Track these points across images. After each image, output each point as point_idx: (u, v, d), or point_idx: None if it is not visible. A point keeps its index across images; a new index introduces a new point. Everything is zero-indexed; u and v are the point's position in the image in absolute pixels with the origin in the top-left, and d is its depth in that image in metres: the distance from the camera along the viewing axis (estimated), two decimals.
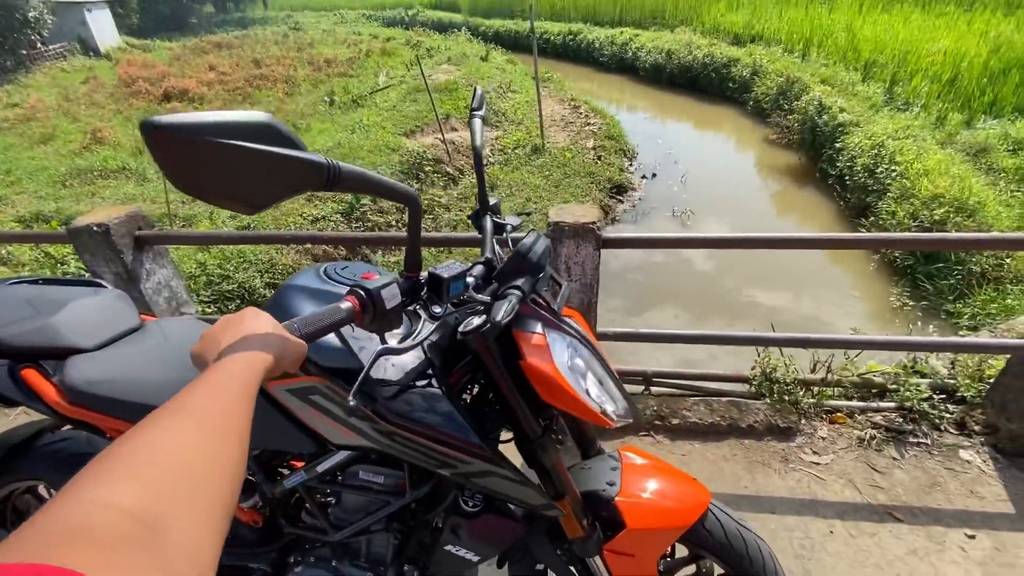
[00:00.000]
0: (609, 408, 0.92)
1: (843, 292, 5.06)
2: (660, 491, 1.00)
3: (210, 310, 4.03)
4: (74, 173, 8.81)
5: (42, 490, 1.34)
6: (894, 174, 6.25)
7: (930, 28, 10.40)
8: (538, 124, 9.40)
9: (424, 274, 0.78)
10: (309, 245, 5.18)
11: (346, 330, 0.88)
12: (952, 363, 2.10)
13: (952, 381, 2.00)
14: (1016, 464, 1.77)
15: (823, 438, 1.93)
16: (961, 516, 1.65)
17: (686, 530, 0.98)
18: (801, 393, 2.05)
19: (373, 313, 0.68)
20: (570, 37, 18.56)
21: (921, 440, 1.88)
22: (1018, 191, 5.85)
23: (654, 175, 8.53)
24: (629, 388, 2.15)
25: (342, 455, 0.98)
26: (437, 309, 0.77)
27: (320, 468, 1.00)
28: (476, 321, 0.80)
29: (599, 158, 8.75)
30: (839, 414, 2.01)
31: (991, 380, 1.89)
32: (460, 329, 0.80)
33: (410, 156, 7.36)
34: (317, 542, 1.10)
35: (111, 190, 8.19)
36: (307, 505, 1.07)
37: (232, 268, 4.45)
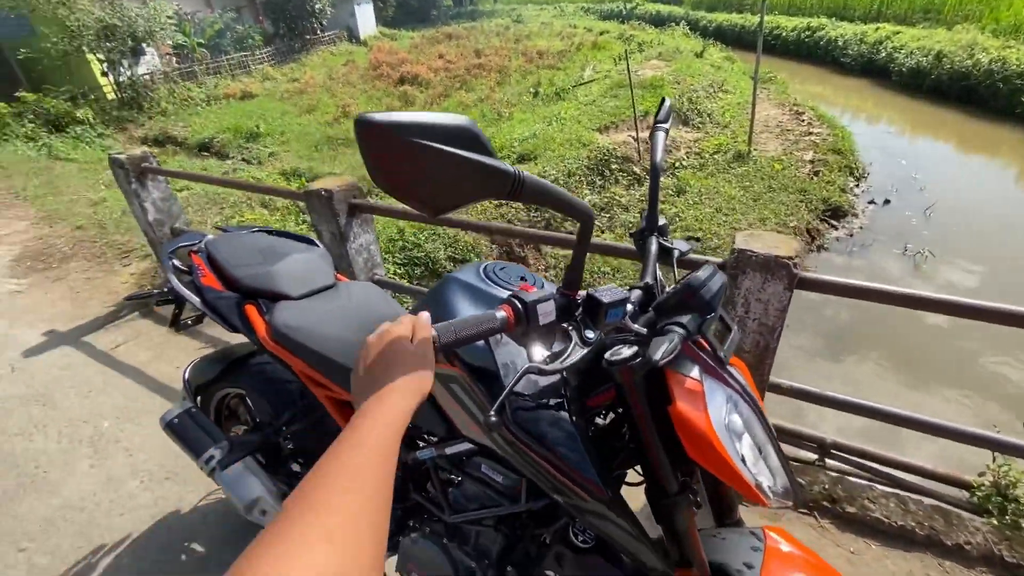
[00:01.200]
0: (765, 483, 0.78)
1: None
2: None
3: (400, 271, 4.58)
4: (324, 140, 10.76)
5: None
6: None
7: None
8: (747, 129, 8.53)
9: (582, 294, 0.74)
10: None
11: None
12: None
13: None
14: None
15: None
16: None
17: None
18: None
19: (526, 326, 0.67)
20: (807, 33, 16.36)
21: None
22: None
23: (887, 201, 7.15)
24: (800, 454, 1.84)
25: (469, 444, 1.00)
26: (590, 334, 0.72)
27: (448, 451, 1.04)
28: (626, 352, 0.72)
29: (816, 174, 7.63)
30: None
31: None
32: (607, 356, 0.73)
33: (599, 152, 7.32)
34: (435, 516, 1.16)
35: (347, 157, 9.80)
36: (431, 480, 1.14)
37: (423, 238, 5.00)
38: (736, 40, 17.95)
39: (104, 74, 13.40)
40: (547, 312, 0.67)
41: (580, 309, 0.72)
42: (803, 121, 9.83)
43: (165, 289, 1.47)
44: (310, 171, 8.90)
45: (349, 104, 12.54)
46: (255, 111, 13.15)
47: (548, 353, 0.74)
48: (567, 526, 0.95)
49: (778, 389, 1.62)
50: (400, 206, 4.13)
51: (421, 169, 0.49)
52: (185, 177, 3.70)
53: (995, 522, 1.56)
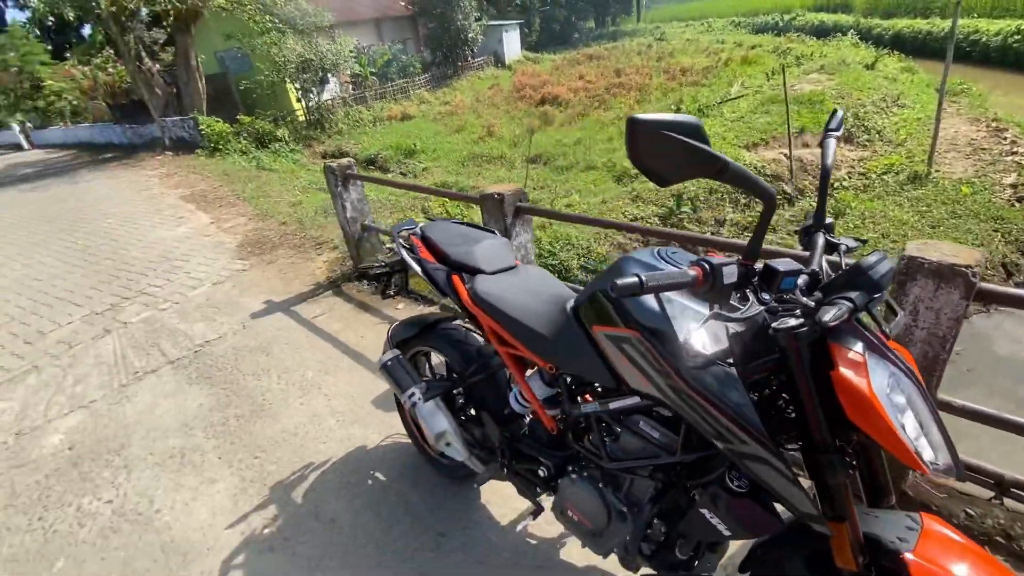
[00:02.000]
0: (926, 455, 0.84)
1: None
2: (969, 574, 0.85)
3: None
4: (470, 157, 11.72)
5: (433, 356, 2.02)
6: None
7: None
8: (926, 147, 7.56)
9: (760, 264, 0.89)
10: (622, 240, 5.66)
11: (672, 300, 1.05)
12: None
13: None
14: None
15: None
16: None
17: None
18: None
19: (712, 285, 0.83)
20: (1016, 38, 13.92)
21: None
22: None
23: None
24: (972, 490, 1.71)
25: (632, 400, 1.18)
26: (765, 296, 0.87)
27: (612, 405, 1.22)
28: (792, 321, 0.85)
29: (1020, 200, 6.51)
30: None
31: None
32: (774, 325, 0.86)
33: None
34: (592, 463, 1.35)
35: (490, 172, 10.58)
36: (591, 433, 1.33)
37: (558, 247, 5.28)
38: (919, 48, 15.88)
39: (298, 100, 16.07)
40: (730, 274, 0.83)
41: (757, 277, 0.87)
42: (1004, 139, 8.42)
43: (383, 263, 1.87)
44: (456, 184, 9.76)
45: (493, 124, 13.48)
46: (412, 131, 14.75)
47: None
48: (724, 475, 1.07)
49: (949, 408, 1.53)
50: (554, 210, 4.42)
51: (660, 151, 0.72)
52: (379, 182, 4.39)
53: None
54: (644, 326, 1.06)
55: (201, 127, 12.66)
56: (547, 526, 1.81)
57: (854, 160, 8.05)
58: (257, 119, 13.70)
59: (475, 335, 1.81)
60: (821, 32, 21.44)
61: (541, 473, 1.48)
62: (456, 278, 1.54)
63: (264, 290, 4.09)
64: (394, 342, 1.91)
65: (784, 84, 7.57)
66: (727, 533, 1.06)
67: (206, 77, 15.26)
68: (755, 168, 7.10)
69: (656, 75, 16.33)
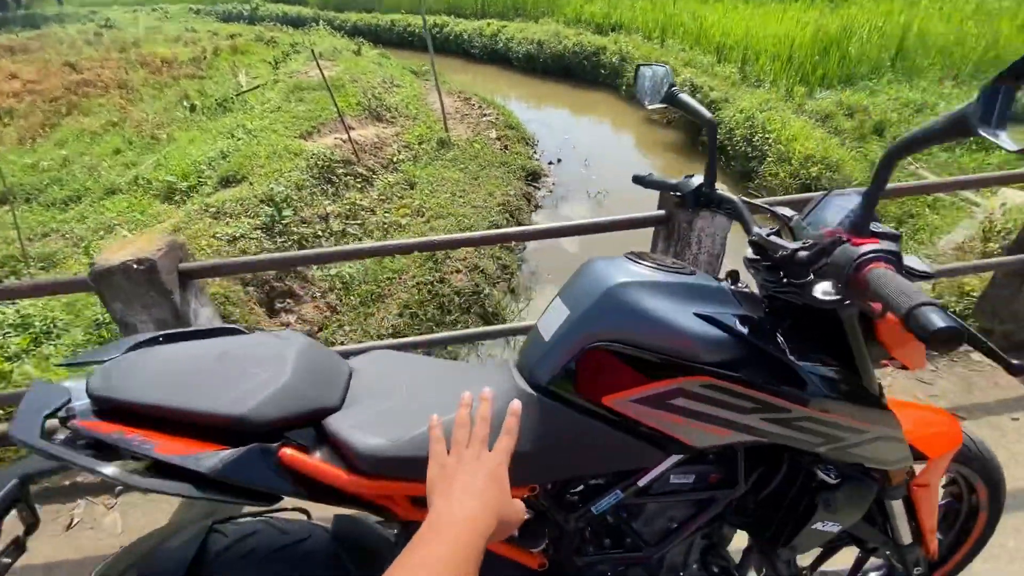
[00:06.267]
0: None
1: None
2: (931, 423, 1.07)
3: None
4: None
5: None
6: (769, 141, 7.17)
7: (759, 16, 12.07)
8: (436, 118, 9.22)
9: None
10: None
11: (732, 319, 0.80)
12: (933, 288, 2.52)
13: (941, 300, 2.39)
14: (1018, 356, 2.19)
15: None
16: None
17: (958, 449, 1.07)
18: None
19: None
20: (436, 29, 18.26)
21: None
22: (860, 148, 7.08)
23: (559, 160, 8.84)
24: None
25: (669, 462, 0.89)
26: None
27: (642, 481, 0.90)
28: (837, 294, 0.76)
29: (505, 148, 8.83)
30: None
31: (975, 295, 2.31)
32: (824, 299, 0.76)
33: (316, 159, 6.74)
34: (621, 564, 0.99)
35: None
36: (604, 534, 0.96)
37: None
38: (375, 39, 18.60)
39: None
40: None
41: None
42: (474, 105, 11.13)
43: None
44: None
45: None
46: None
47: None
48: (810, 477, 0.95)
49: None
50: (239, 260, 2.98)
51: None
52: None
53: None
54: (721, 364, 0.78)
55: None
56: None
57: (392, 135, 8.98)
58: None
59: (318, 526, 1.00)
60: (290, 22, 22.22)
61: None
62: (286, 450, 0.75)
63: None
64: None
65: (320, 69, 7.51)
66: (837, 528, 0.97)
67: None
68: (324, 157, 6.90)
69: (132, 69, 13.26)
